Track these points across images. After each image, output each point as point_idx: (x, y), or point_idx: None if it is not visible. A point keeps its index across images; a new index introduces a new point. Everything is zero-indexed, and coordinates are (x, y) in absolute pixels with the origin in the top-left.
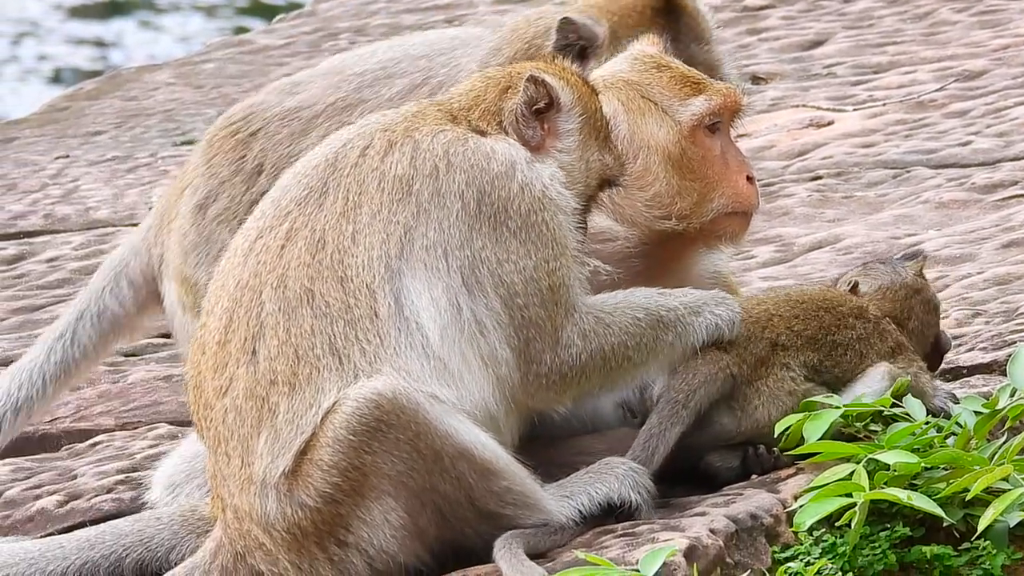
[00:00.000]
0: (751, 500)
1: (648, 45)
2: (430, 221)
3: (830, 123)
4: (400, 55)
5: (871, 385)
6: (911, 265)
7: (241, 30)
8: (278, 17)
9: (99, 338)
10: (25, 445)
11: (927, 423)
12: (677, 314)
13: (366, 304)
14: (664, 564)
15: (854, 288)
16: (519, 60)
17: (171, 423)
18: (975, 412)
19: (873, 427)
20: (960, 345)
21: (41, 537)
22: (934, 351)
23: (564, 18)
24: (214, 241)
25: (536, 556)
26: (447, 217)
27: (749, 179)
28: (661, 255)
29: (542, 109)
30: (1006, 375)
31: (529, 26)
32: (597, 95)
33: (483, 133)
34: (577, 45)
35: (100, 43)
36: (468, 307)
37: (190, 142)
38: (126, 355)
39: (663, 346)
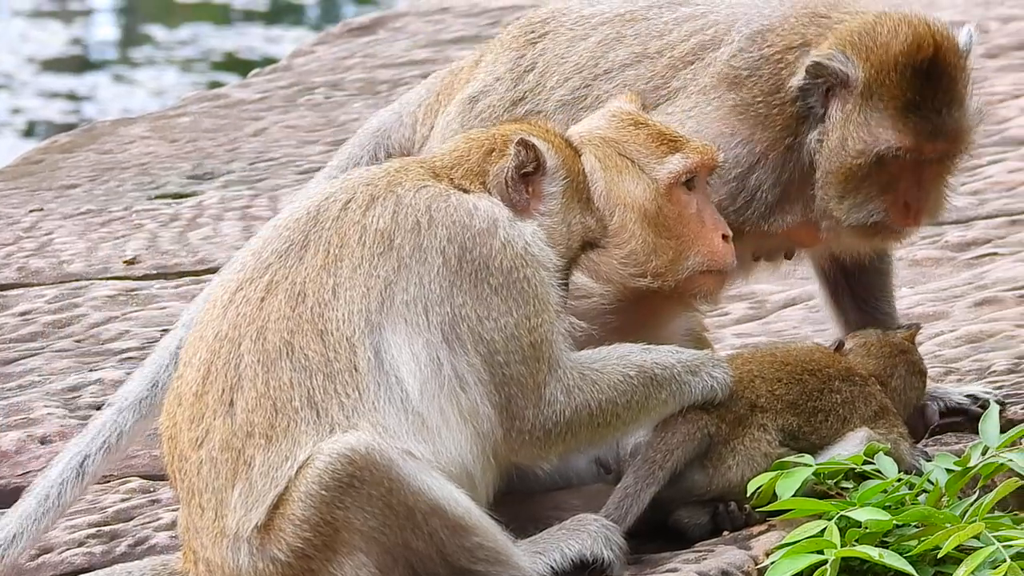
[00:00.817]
0: (722, 556)
1: (625, 102)
2: (411, 276)
3: None
4: None
5: (848, 449)
6: (903, 331)
7: (216, 84)
8: (253, 71)
9: None
10: None
11: (899, 480)
12: (673, 372)
13: (346, 358)
14: None
15: (839, 347)
16: (774, 58)
17: (143, 477)
18: (947, 470)
19: (845, 485)
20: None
21: None
22: (920, 419)
23: (814, 62)
24: None
25: None
26: (428, 272)
27: (725, 237)
28: (637, 312)
29: (529, 172)
30: (978, 433)
31: (794, 28)
32: (580, 158)
33: (466, 191)
34: (824, 86)
35: (74, 97)
36: (449, 362)
37: (164, 196)
38: (98, 409)
39: (656, 404)
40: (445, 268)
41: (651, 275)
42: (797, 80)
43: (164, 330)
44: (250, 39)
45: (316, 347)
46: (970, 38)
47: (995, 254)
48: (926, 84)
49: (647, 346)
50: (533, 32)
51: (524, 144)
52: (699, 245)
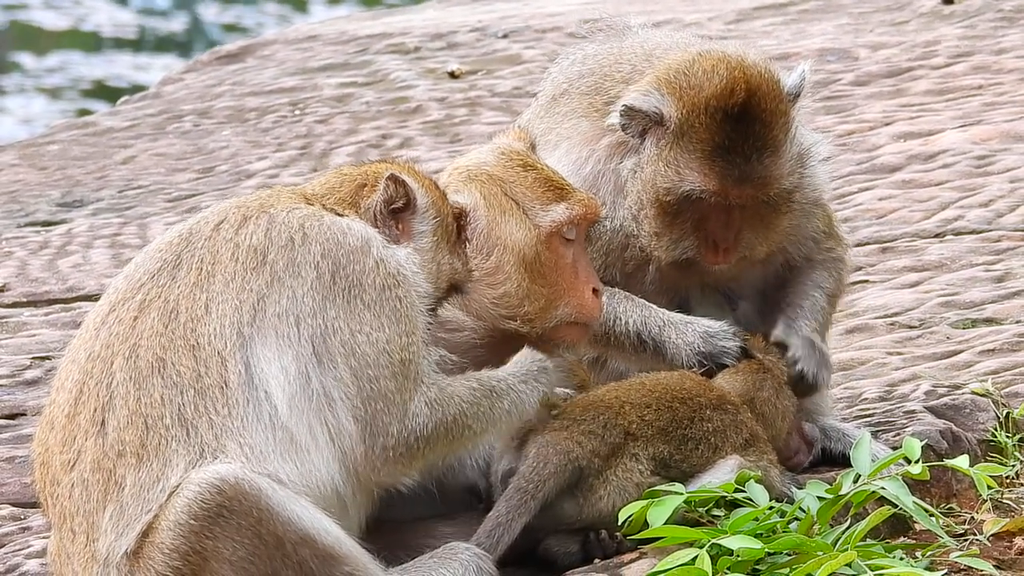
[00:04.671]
0: None
1: (515, 139)
2: (283, 289)
3: None
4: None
5: (719, 477)
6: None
7: (85, 112)
8: (122, 99)
9: None
10: None
11: (771, 508)
12: (508, 383)
13: (216, 372)
14: None
15: (707, 372)
16: (609, 88)
17: (14, 504)
18: (818, 497)
19: (716, 512)
20: None
21: None
22: (800, 441)
23: (626, 106)
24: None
25: None
26: (301, 286)
27: (595, 292)
28: (505, 349)
29: (399, 208)
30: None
31: (631, 61)
32: (448, 201)
33: (339, 215)
34: (640, 124)
35: None
36: (317, 378)
37: (34, 223)
38: None
39: (500, 413)
40: (319, 282)
41: (521, 319)
42: (613, 118)
43: (35, 358)
44: (119, 67)
45: (188, 362)
46: (802, 79)
47: (866, 281)
48: (736, 129)
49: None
50: None
51: (394, 180)
52: (570, 296)
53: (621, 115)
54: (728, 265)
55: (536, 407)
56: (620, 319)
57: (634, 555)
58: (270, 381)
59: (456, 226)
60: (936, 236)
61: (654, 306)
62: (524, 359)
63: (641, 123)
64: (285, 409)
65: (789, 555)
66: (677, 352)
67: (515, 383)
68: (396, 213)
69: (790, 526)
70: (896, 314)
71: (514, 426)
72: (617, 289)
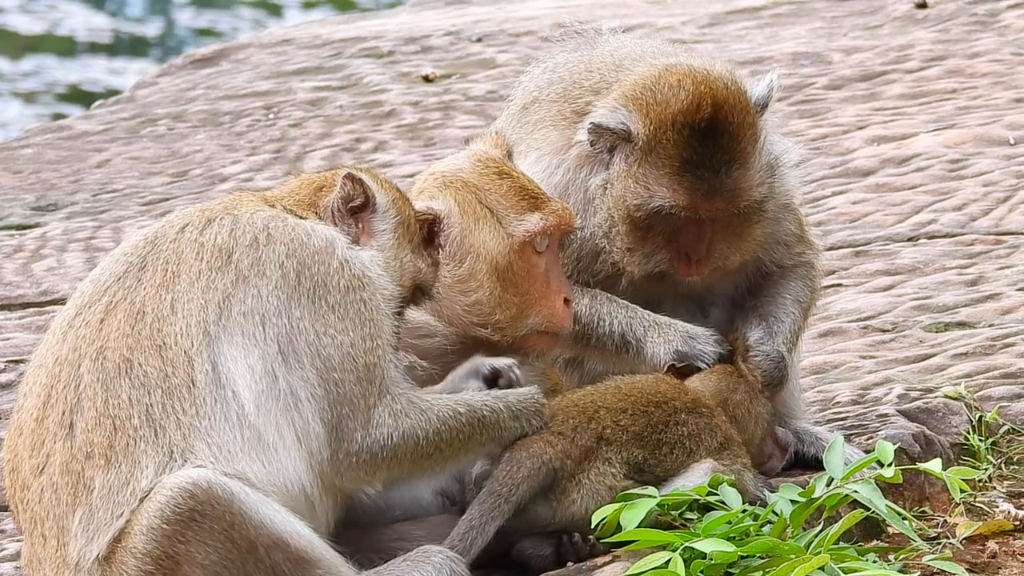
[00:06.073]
0: None
1: (491, 146)
2: (249, 288)
3: None
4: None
5: (693, 481)
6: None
7: (60, 116)
8: (97, 103)
9: None
10: None
11: (744, 512)
12: (499, 416)
13: (183, 372)
14: None
15: (674, 370)
16: (578, 97)
17: None
18: (791, 501)
19: (689, 516)
20: None
21: None
22: (775, 447)
23: (593, 124)
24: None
25: None
26: (266, 285)
27: (566, 302)
28: (477, 355)
29: (357, 207)
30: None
31: (600, 70)
32: (409, 202)
33: (300, 217)
34: (609, 141)
35: None
36: (284, 377)
37: (8, 227)
38: None
39: (476, 444)
40: (283, 282)
41: (492, 327)
42: (581, 135)
43: (8, 361)
44: (94, 71)
45: (155, 363)
46: (769, 89)
47: (839, 285)
48: (703, 144)
49: (484, 391)
50: None
51: (351, 178)
52: (542, 306)
53: (589, 132)
54: (701, 276)
55: (511, 442)
56: (604, 320)
57: (607, 558)
58: (237, 380)
59: (420, 227)
60: (909, 240)
61: (638, 307)
62: (526, 394)
63: (609, 140)
64: (252, 408)
65: (762, 558)
66: (656, 351)
67: (506, 417)
68: (355, 212)
69: (763, 529)
70: (869, 318)
71: (485, 455)
72: (598, 291)
